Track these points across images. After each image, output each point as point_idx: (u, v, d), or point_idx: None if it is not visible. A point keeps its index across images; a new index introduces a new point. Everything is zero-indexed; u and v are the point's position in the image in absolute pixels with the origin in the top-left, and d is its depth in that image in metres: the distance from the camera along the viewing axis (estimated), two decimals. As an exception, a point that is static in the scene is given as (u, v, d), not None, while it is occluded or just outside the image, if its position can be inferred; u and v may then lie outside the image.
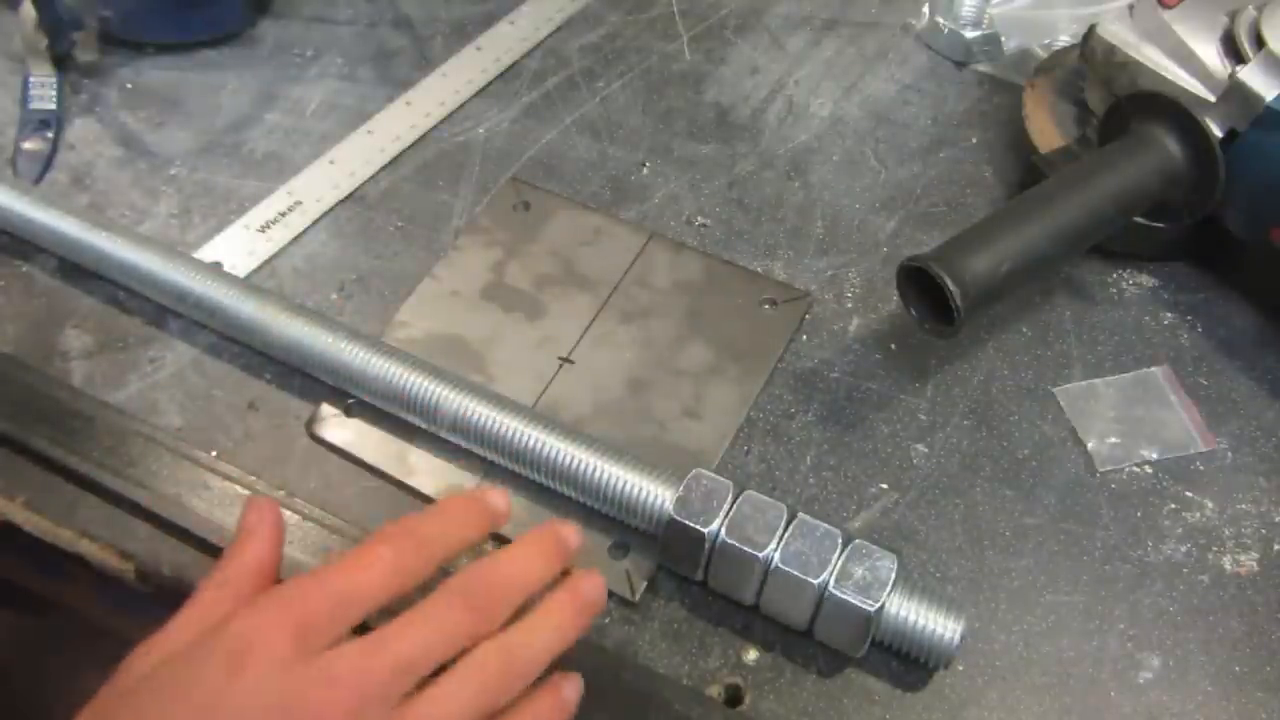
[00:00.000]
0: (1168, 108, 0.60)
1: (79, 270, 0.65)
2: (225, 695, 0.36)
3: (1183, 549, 0.56)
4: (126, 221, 0.68)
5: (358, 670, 0.38)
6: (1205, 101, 0.60)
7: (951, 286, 0.53)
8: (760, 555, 0.49)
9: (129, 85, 0.77)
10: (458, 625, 0.41)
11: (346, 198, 0.70)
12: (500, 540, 0.55)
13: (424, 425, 0.57)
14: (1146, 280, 0.66)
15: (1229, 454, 0.59)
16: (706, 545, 0.50)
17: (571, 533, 0.47)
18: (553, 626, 0.43)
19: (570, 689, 0.44)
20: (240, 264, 0.66)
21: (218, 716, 0.36)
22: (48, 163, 0.72)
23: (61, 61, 0.76)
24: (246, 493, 0.56)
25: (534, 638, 0.42)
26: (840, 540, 0.49)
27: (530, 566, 0.44)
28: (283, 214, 0.69)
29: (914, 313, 0.57)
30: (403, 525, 0.43)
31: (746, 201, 0.71)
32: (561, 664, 0.50)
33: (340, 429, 0.59)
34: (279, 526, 0.45)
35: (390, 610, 0.41)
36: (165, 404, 0.60)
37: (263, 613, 0.39)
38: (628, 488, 0.53)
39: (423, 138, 0.74)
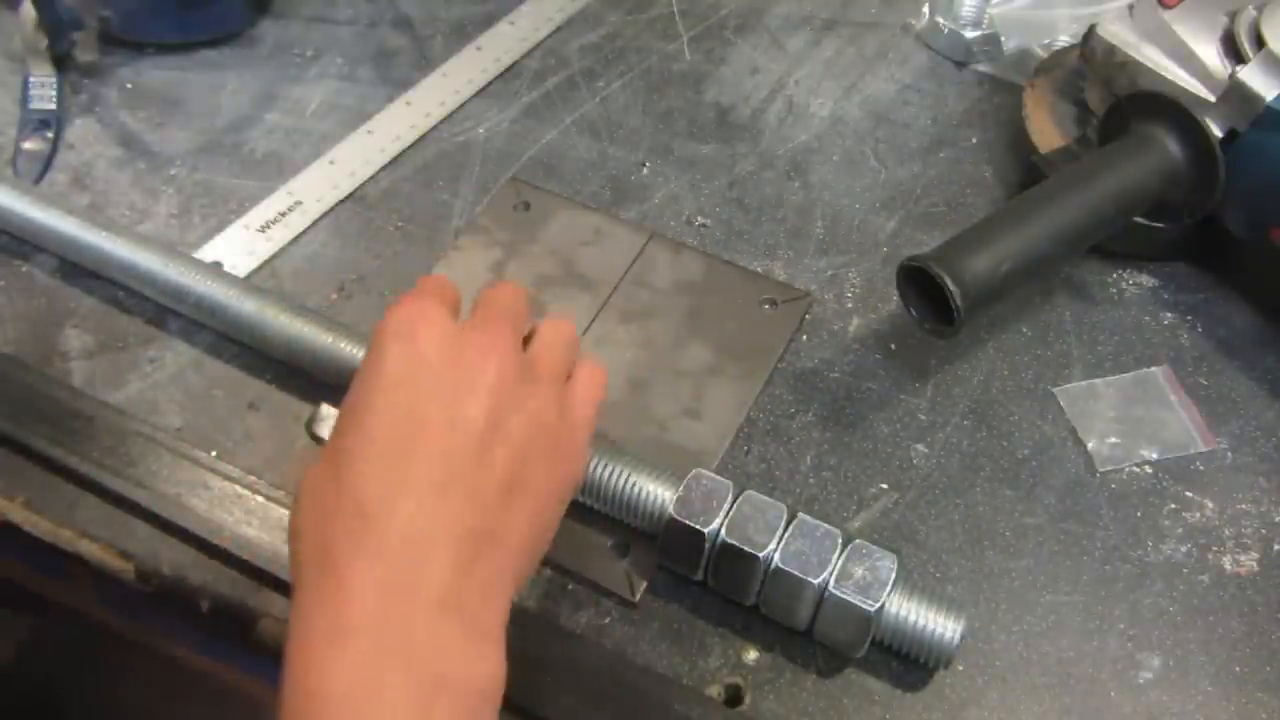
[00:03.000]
0: (1168, 108, 0.60)
1: (79, 270, 0.65)
2: (414, 359, 0.44)
3: (1183, 549, 0.56)
4: (126, 221, 0.68)
5: (493, 321, 0.46)
6: (1205, 101, 0.60)
7: (951, 286, 0.53)
8: (760, 555, 0.49)
9: (129, 85, 0.77)
10: (519, 296, 0.50)
11: (346, 198, 0.70)
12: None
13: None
14: (1146, 280, 0.66)
15: (1229, 454, 0.59)
16: (706, 545, 0.50)
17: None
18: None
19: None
20: (240, 264, 0.66)
21: (418, 377, 0.43)
22: (48, 163, 0.71)
23: (61, 61, 0.76)
24: (246, 493, 0.56)
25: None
26: (840, 540, 0.49)
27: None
28: (283, 214, 0.69)
29: (914, 313, 0.57)
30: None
31: (746, 201, 0.71)
32: (562, 663, 0.50)
33: (340, 429, 0.59)
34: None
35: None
36: (165, 404, 0.60)
37: (414, 300, 0.46)
38: (628, 488, 0.53)
39: (423, 138, 0.74)
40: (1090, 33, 0.66)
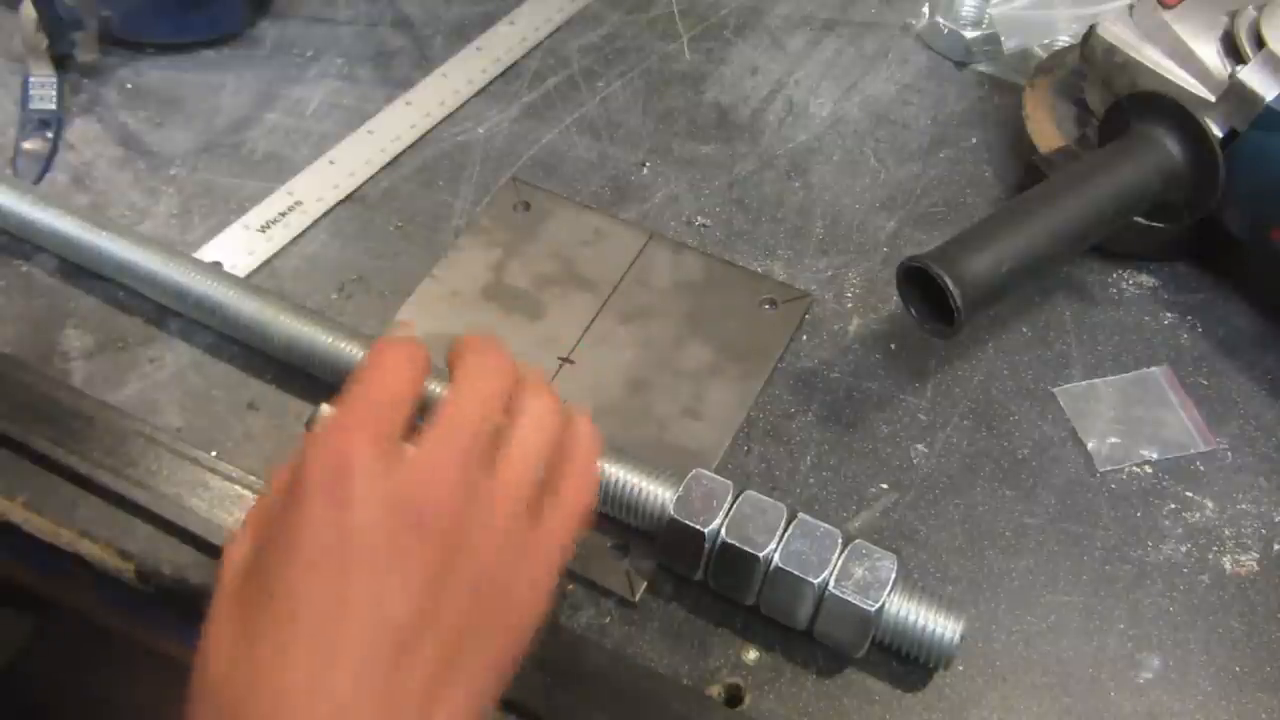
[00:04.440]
0: (1168, 108, 0.60)
1: (79, 270, 0.65)
2: (343, 528, 0.37)
3: (1183, 549, 0.56)
4: (126, 221, 0.68)
5: (445, 450, 0.39)
6: (1205, 101, 0.60)
7: (952, 287, 0.53)
8: (760, 555, 0.49)
9: (129, 85, 0.77)
10: (492, 388, 0.42)
11: (346, 198, 0.70)
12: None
13: (423, 424, 0.57)
14: (1146, 280, 0.66)
15: (1229, 454, 0.59)
16: (706, 545, 0.50)
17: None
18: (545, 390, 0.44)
19: (585, 420, 0.46)
20: (240, 264, 0.66)
21: (347, 552, 0.37)
22: (48, 163, 0.71)
23: (61, 61, 0.76)
24: (246, 493, 0.56)
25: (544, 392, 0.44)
26: (840, 540, 0.49)
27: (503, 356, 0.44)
28: (283, 214, 0.69)
29: (914, 313, 0.57)
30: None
31: (746, 201, 0.71)
32: (562, 663, 0.50)
33: (340, 429, 0.59)
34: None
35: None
36: (165, 404, 0.60)
37: (347, 433, 0.38)
38: (628, 488, 0.53)
39: (423, 138, 0.74)
40: (1090, 33, 0.66)
